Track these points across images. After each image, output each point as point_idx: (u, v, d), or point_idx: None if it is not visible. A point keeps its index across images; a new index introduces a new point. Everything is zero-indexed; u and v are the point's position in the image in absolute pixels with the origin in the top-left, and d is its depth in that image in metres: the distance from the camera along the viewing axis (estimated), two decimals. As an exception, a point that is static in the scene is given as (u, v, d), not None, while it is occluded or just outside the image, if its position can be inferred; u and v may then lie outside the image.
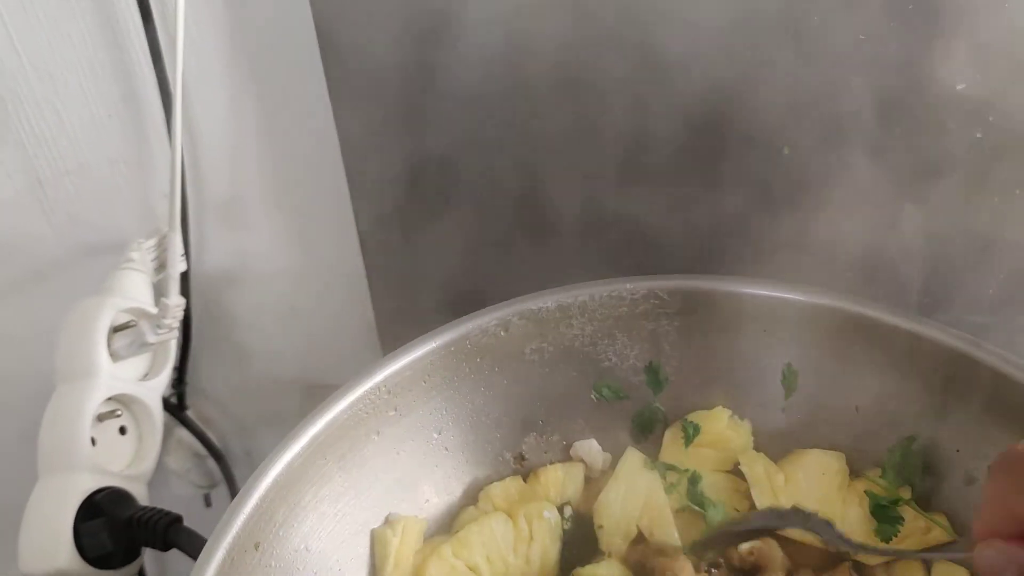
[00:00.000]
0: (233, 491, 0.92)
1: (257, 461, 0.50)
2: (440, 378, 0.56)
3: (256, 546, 0.47)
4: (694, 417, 0.59)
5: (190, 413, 0.89)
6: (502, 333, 0.57)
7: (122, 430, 0.72)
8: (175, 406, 0.87)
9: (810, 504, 0.55)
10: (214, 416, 0.91)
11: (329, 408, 0.51)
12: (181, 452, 0.90)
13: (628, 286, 0.57)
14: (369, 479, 0.54)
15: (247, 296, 0.85)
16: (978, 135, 0.64)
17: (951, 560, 0.49)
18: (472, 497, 0.58)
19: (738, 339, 0.58)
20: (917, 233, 0.70)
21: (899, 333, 0.54)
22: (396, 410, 0.54)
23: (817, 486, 0.55)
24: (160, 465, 0.87)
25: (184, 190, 0.74)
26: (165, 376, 0.74)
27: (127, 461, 0.72)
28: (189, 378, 0.87)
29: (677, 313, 0.58)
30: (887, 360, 0.55)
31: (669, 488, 0.57)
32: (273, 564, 0.48)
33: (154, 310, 0.70)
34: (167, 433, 0.89)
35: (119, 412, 0.71)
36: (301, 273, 0.84)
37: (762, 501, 0.56)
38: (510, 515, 0.55)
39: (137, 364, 0.74)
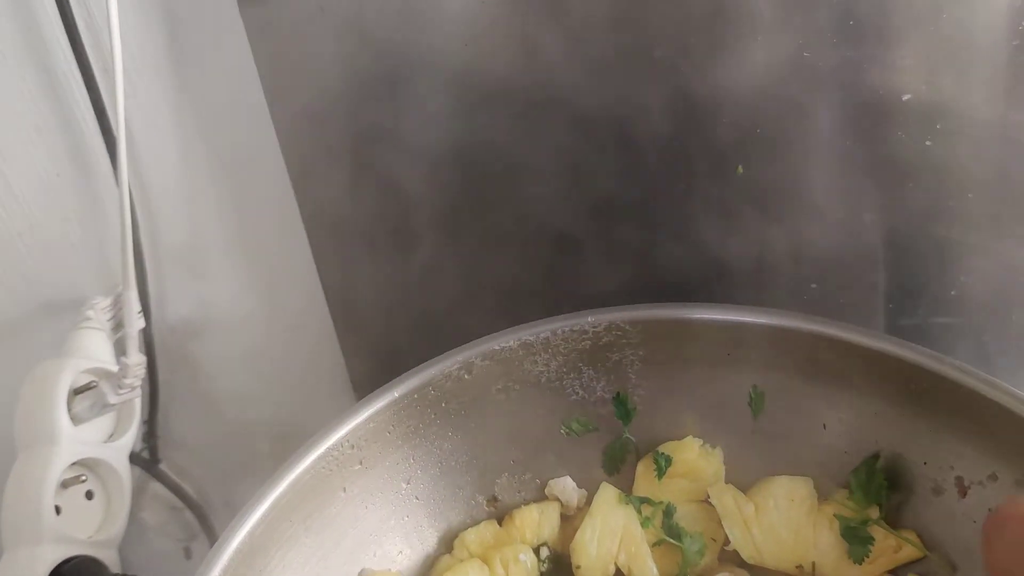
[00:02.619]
0: (213, 542, 0.90)
1: (236, 510, 0.48)
2: (406, 427, 0.55)
3: (222, 619, 0.46)
4: (665, 448, 0.59)
5: (163, 466, 0.87)
6: (466, 376, 0.56)
7: (88, 494, 0.71)
8: (147, 460, 0.85)
9: (782, 531, 0.55)
10: (188, 467, 0.89)
11: (291, 468, 0.50)
12: (157, 506, 0.88)
13: (590, 319, 0.57)
14: (338, 537, 0.53)
15: (213, 345, 0.83)
16: (928, 143, 0.64)
17: None
18: (447, 545, 0.57)
19: (703, 365, 0.58)
20: (876, 241, 0.70)
21: (860, 350, 0.54)
22: (362, 463, 0.53)
23: (787, 513, 0.55)
24: (137, 521, 0.85)
25: (139, 244, 0.72)
26: (131, 436, 0.72)
27: (95, 527, 0.70)
28: (160, 430, 0.85)
29: (640, 343, 0.58)
30: (850, 377, 0.55)
31: (645, 522, 0.56)
32: (242, 635, 0.47)
33: (115, 368, 0.69)
34: (141, 488, 0.87)
35: (84, 477, 0.69)
36: (266, 318, 0.83)
37: (734, 533, 0.55)
38: (486, 561, 0.54)
39: (101, 425, 0.72)
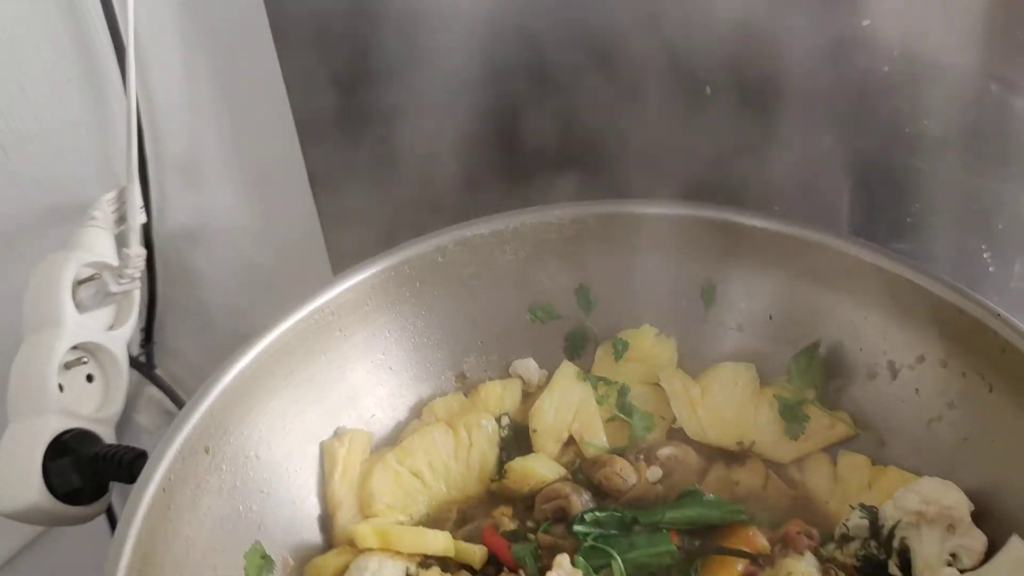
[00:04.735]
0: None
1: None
2: (382, 301, 0.59)
3: (207, 450, 0.50)
4: (624, 334, 0.63)
5: (159, 372, 0.92)
6: (439, 259, 0.60)
7: (89, 378, 0.75)
8: (144, 365, 0.90)
9: (725, 411, 0.59)
10: (182, 374, 0.94)
11: (274, 327, 0.54)
12: (151, 410, 0.93)
13: (556, 212, 0.61)
14: (317, 395, 0.57)
15: (209, 254, 0.88)
16: (885, 68, 0.68)
17: None
18: (417, 413, 0.62)
19: (660, 259, 0.62)
20: (837, 165, 0.74)
21: (803, 244, 0.59)
22: (341, 331, 0.58)
23: (731, 395, 0.60)
24: (132, 424, 0.90)
25: (143, 148, 0.77)
26: (130, 326, 0.77)
27: (95, 407, 0.74)
28: (156, 337, 0.90)
29: (603, 237, 0.62)
30: (795, 270, 0.59)
31: (601, 399, 0.61)
32: (224, 468, 0.52)
33: (117, 263, 0.73)
34: (137, 392, 0.92)
35: (85, 359, 0.73)
36: (260, 232, 0.88)
37: (681, 412, 0.60)
38: (451, 426, 0.59)
39: (103, 316, 0.77)
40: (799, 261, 0.59)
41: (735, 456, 0.58)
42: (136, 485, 0.46)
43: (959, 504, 0.48)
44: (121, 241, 0.76)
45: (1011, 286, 0.74)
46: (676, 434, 0.61)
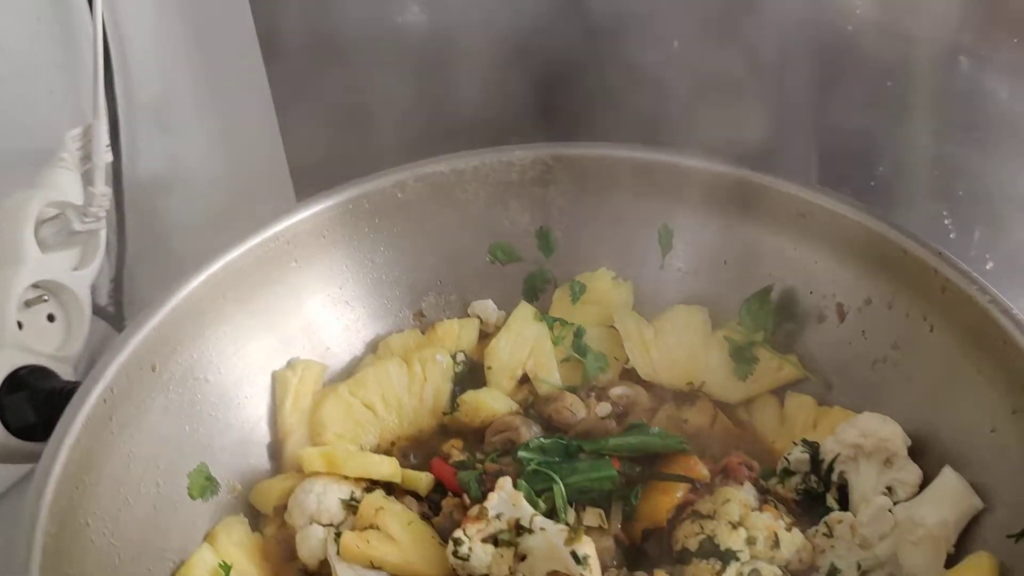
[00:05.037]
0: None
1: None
2: (339, 234, 0.59)
3: (153, 367, 0.51)
4: (581, 277, 0.64)
5: (128, 323, 0.91)
6: (399, 195, 0.61)
7: (51, 318, 0.75)
8: (113, 315, 0.90)
9: (677, 352, 0.60)
10: (150, 325, 0.94)
11: (225, 251, 0.55)
12: (119, 361, 0.92)
13: (517, 153, 0.61)
14: (270, 324, 0.58)
15: (179, 205, 0.88)
16: (849, 28, 0.69)
17: None
18: (373, 348, 0.62)
19: (619, 202, 0.62)
20: (803, 128, 0.75)
21: (759, 188, 0.59)
22: (296, 261, 0.58)
23: (683, 337, 0.60)
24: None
25: (111, 87, 0.77)
26: (94, 267, 0.77)
27: (55, 346, 0.74)
28: (126, 287, 0.90)
29: (563, 179, 0.62)
30: (751, 215, 0.60)
31: (556, 339, 0.61)
32: (171, 388, 0.52)
33: (82, 203, 0.73)
34: (106, 342, 0.91)
35: (46, 297, 0.73)
36: (231, 182, 0.87)
37: (633, 353, 0.61)
38: (405, 360, 0.59)
39: (68, 258, 0.76)
40: (755, 206, 0.60)
41: (685, 396, 0.59)
42: (78, 393, 0.46)
43: (895, 436, 0.49)
44: (88, 181, 0.76)
45: (971, 253, 0.75)
46: (629, 375, 0.61)
